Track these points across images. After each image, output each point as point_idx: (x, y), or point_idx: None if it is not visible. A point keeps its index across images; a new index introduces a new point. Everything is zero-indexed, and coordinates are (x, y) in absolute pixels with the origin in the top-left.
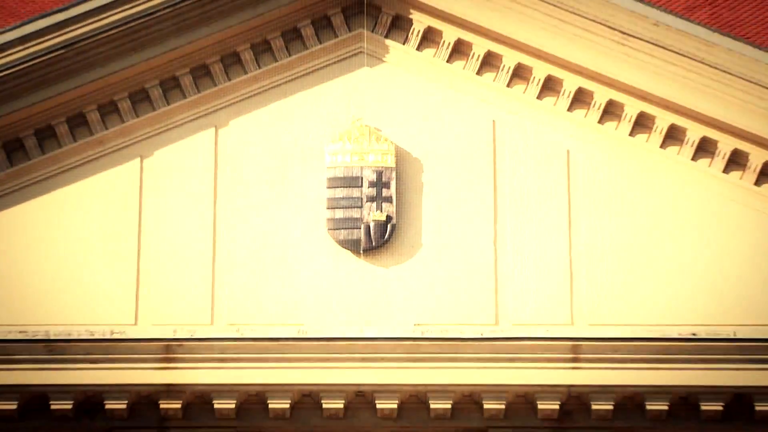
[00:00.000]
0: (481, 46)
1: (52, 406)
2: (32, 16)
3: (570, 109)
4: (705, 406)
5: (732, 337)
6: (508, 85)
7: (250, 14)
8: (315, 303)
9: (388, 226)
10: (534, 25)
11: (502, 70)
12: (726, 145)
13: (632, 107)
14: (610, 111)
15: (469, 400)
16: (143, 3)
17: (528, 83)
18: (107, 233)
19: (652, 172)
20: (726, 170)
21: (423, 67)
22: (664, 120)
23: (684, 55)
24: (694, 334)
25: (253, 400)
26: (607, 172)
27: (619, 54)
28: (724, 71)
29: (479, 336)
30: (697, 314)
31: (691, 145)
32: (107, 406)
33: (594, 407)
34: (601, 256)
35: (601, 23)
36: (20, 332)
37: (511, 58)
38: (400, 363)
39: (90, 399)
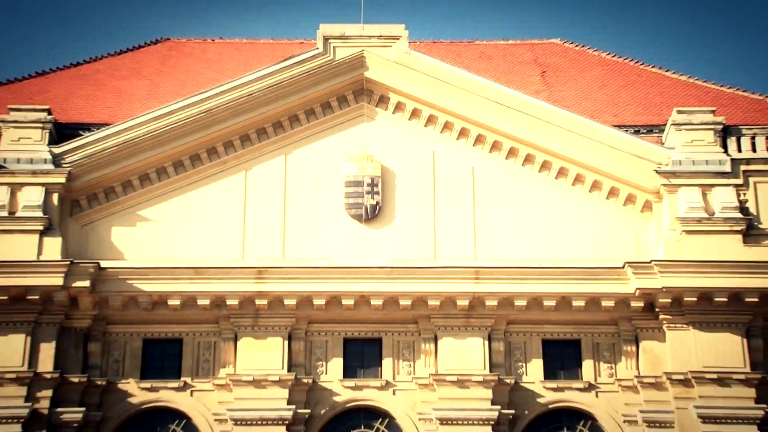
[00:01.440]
0: (428, 111)
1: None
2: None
3: (490, 149)
4: (548, 303)
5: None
6: (441, 132)
7: (305, 94)
8: (340, 245)
9: (377, 208)
10: (462, 100)
11: (445, 126)
12: (584, 170)
13: (520, 149)
14: (498, 147)
15: (419, 300)
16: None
17: (458, 133)
18: (215, 212)
19: (537, 187)
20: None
21: (395, 122)
22: (543, 158)
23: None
24: (540, 265)
25: (305, 301)
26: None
27: (519, 120)
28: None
29: (425, 265)
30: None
31: (557, 173)
32: (228, 303)
33: (488, 303)
34: (495, 230)
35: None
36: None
37: (445, 117)
38: (383, 280)
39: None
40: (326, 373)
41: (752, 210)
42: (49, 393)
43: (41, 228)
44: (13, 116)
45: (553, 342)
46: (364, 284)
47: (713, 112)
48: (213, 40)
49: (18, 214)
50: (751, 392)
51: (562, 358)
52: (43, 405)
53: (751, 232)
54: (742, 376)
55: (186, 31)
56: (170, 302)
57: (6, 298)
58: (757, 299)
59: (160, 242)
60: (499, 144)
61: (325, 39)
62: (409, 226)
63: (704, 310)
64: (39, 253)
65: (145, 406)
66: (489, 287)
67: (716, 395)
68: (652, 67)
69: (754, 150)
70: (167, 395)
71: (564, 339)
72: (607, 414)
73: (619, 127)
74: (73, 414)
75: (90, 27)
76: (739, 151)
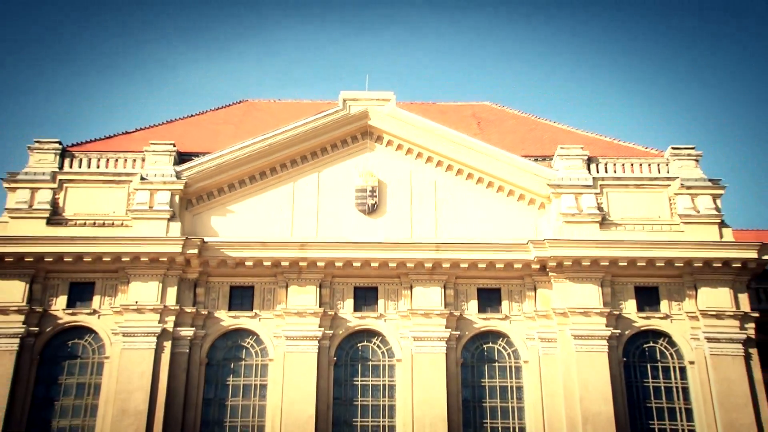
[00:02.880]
0: (407, 145)
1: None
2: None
3: (445, 169)
4: (480, 265)
5: (496, 242)
6: (415, 158)
7: (332, 134)
8: (351, 229)
9: (375, 206)
10: (429, 139)
11: (418, 155)
12: (505, 184)
13: (465, 169)
14: (451, 168)
15: (401, 263)
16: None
17: (425, 159)
18: (275, 207)
19: (474, 193)
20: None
21: (387, 152)
22: (479, 175)
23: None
24: (476, 242)
25: (330, 264)
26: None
27: (463, 151)
28: (494, 158)
29: (405, 242)
30: (486, 240)
31: (487, 185)
32: (282, 264)
33: (443, 266)
34: (448, 220)
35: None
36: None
37: (417, 149)
38: (378, 250)
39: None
40: (343, 308)
41: (605, 208)
42: (173, 318)
43: (168, 217)
44: (152, 148)
45: (484, 290)
46: (367, 253)
47: (582, 148)
48: (274, 101)
49: (155, 208)
50: (603, 321)
51: (489, 300)
52: (169, 325)
53: (604, 222)
54: (597, 311)
55: (257, 94)
56: (246, 263)
57: (147, 260)
58: (608, 263)
59: (241, 225)
60: (452, 166)
61: (344, 100)
62: (395, 217)
63: (576, 269)
64: (167, 231)
65: (231, 327)
66: (445, 255)
67: (582, 322)
68: (548, 120)
69: (606, 172)
70: (244, 321)
71: (491, 288)
72: (517, 334)
73: (527, 156)
74: (186, 331)
75: (198, 90)
76: (597, 172)
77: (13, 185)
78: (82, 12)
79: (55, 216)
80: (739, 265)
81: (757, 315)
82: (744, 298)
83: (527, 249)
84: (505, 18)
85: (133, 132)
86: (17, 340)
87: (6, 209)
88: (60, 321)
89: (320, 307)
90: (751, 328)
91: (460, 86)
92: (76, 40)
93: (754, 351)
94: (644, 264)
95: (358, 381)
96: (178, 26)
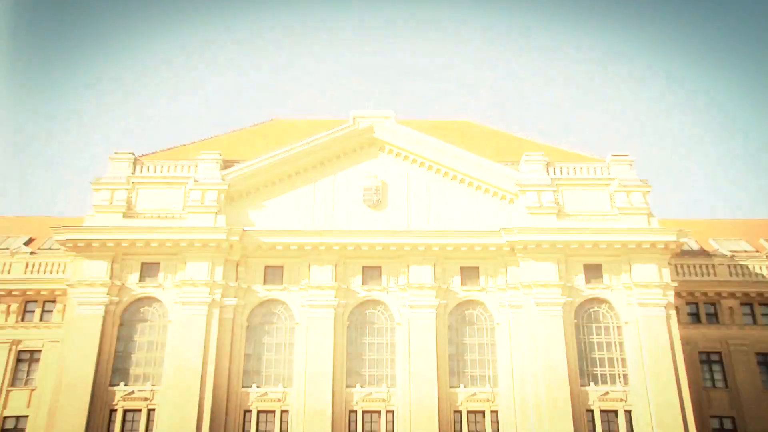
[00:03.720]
0: (404, 152)
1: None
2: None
3: (435, 172)
4: (463, 248)
5: (475, 229)
6: (411, 163)
7: (345, 145)
8: (360, 220)
9: (379, 201)
10: (420, 147)
11: (413, 160)
12: (482, 183)
13: (450, 172)
14: (439, 171)
15: (400, 247)
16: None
17: (419, 164)
18: (300, 204)
19: (459, 190)
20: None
21: (388, 158)
22: (462, 176)
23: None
24: (460, 229)
25: (343, 247)
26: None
27: (449, 157)
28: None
29: (403, 230)
30: (467, 227)
31: (468, 184)
32: (305, 248)
33: (434, 248)
34: (438, 212)
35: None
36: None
37: (412, 156)
38: (381, 237)
39: None
40: (354, 283)
41: (560, 203)
42: (220, 291)
43: (215, 211)
44: (203, 156)
45: (466, 267)
46: (372, 239)
47: (542, 155)
48: (297, 118)
49: (205, 204)
50: (559, 291)
51: (469, 276)
52: (217, 297)
53: (560, 214)
54: (554, 283)
55: (283, 113)
56: (277, 247)
57: (199, 245)
58: (562, 246)
59: (272, 217)
60: (440, 170)
61: (353, 117)
62: (395, 211)
63: (538, 251)
64: (214, 222)
65: (265, 298)
66: (434, 240)
67: (542, 292)
68: (516, 134)
69: (561, 174)
70: (276, 293)
71: (471, 266)
72: (491, 302)
73: (500, 162)
74: (230, 301)
75: (237, 110)
76: (554, 174)
77: (98, 187)
78: (138, 55)
79: (129, 211)
80: (663, 246)
81: (675, 284)
82: (666, 272)
83: (500, 235)
84: (485, 52)
85: (188, 144)
86: (102, 307)
87: (93, 206)
88: (134, 293)
89: (336, 282)
90: (671, 295)
91: (449, 105)
92: (139, 73)
93: (673, 312)
94: (591, 246)
95: (365, 340)
96: (218, 60)
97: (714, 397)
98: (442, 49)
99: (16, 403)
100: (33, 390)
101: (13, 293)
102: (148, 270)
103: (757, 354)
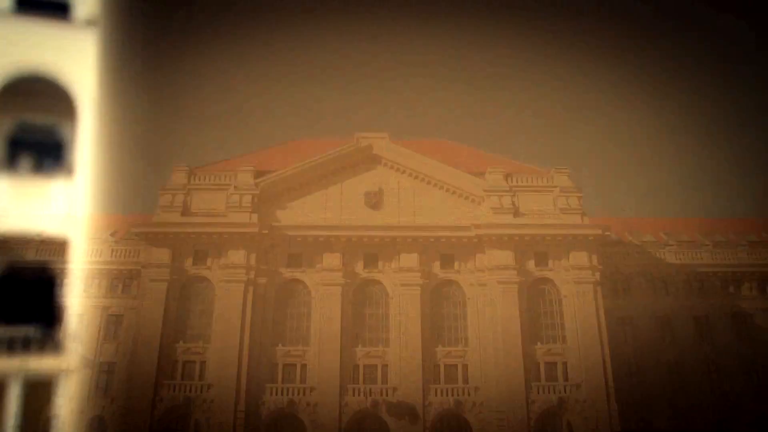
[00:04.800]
0: (397, 165)
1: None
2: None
3: (421, 180)
4: (442, 240)
5: (453, 225)
6: (402, 173)
7: (349, 160)
8: (362, 218)
9: (377, 203)
10: (409, 161)
11: (403, 171)
12: (457, 189)
13: (432, 180)
14: (424, 179)
15: (392, 239)
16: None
17: (408, 174)
18: (315, 206)
19: (440, 195)
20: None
21: (385, 170)
22: (441, 183)
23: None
24: (440, 225)
25: (348, 238)
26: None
27: (432, 169)
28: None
29: (396, 225)
30: (445, 224)
31: (446, 190)
32: (319, 240)
33: (419, 240)
34: (423, 212)
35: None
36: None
37: (404, 168)
38: (379, 230)
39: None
40: (357, 266)
41: (516, 204)
42: (253, 272)
43: (250, 211)
44: (241, 168)
45: (444, 254)
46: (372, 232)
47: (503, 168)
48: (310, 140)
49: (242, 206)
50: (515, 272)
51: (447, 261)
52: (251, 276)
53: (516, 213)
54: (512, 267)
55: (298, 136)
56: (298, 239)
57: (238, 237)
58: (518, 238)
59: (295, 216)
60: (424, 179)
61: (357, 138)
62: (390, 211)
63: (499, 242)
64: (249, 220)
65: (289, 278)
66: (420, 233)
67: (503, 274)
68: (483, 151)
69: (517, 182)
70: (297, 274)
71: (448, 253)
72: (464, 282)
73: (470, 172)
74: (262, 279)
75: (264, 135)
76: (512, 182)
77: (163, 192)
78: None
79: (185, 211)
80: (592, 239)
81: (601, 267)
82: (594, 258)
83: (470, 229)
84: (460, 80)
85: (230, 159)
86: (166, 283)
87: (159, 206)
88: (189, 273)
89: (343, 266)
90: (597, 275)
91: (429, 125)
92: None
93: (599, 288)
94: (539, 238)
95: (366, 311)
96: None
97: (625, 352)
98: (431, 80)
99: (107, 352)
100: (119, 343)
101: (104, 272)
102: (199, 255)
103: (657, 318)
